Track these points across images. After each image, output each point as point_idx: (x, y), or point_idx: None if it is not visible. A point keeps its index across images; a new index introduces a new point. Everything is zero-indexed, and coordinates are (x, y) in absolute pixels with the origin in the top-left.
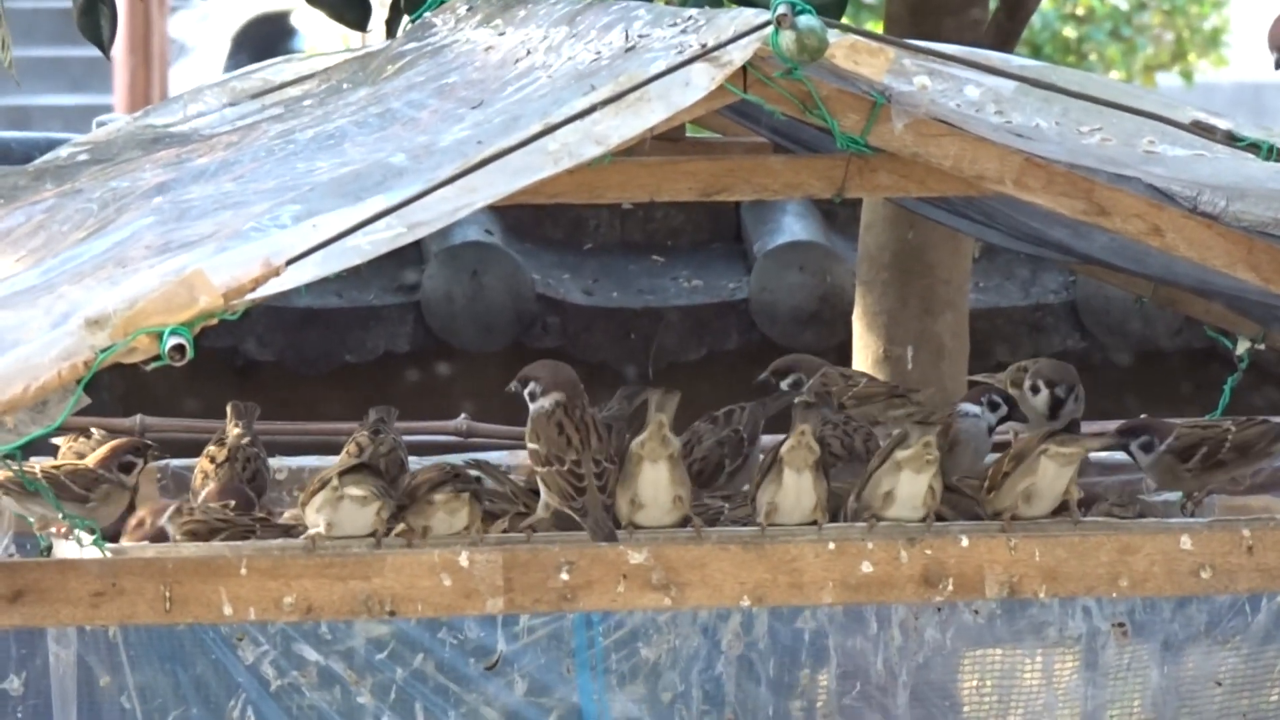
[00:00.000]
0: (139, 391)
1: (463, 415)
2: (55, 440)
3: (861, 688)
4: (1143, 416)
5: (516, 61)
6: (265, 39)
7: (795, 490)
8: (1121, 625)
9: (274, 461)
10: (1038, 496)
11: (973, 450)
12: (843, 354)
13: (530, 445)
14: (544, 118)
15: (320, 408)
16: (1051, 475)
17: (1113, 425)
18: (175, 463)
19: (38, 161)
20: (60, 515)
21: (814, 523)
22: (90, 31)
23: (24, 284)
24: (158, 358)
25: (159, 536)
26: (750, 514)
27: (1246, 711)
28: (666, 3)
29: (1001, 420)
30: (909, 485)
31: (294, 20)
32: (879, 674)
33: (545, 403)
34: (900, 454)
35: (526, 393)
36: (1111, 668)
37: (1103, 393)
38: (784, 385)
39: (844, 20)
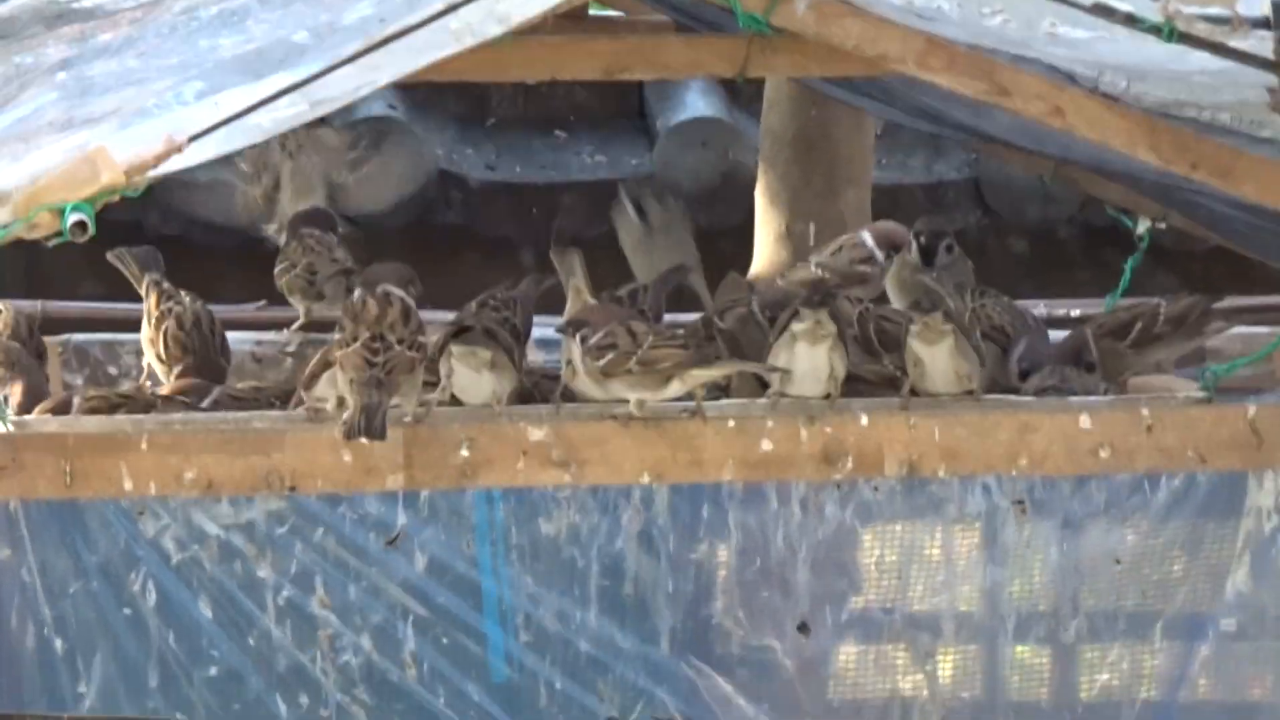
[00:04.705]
0: (40, 267)
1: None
2: None
3: (761, 563)
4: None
5: None
6: None
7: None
8: (1021, 503)
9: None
10: (930, 380)
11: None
12: (745, 231)
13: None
14: None
15: (221, 285)
16: (927, 355)
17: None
18: (77, 338)
19: None
20: None
21: (827, 395)
22: None
23: None
24: (59, 234)
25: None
26: None
27: (1147, 588)
28: None
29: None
30: (807, 359)
31: None
32: (779, 550)
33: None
34: (796, 326)
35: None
36: (1011, 545)
37: (1003, 270)
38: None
39: None
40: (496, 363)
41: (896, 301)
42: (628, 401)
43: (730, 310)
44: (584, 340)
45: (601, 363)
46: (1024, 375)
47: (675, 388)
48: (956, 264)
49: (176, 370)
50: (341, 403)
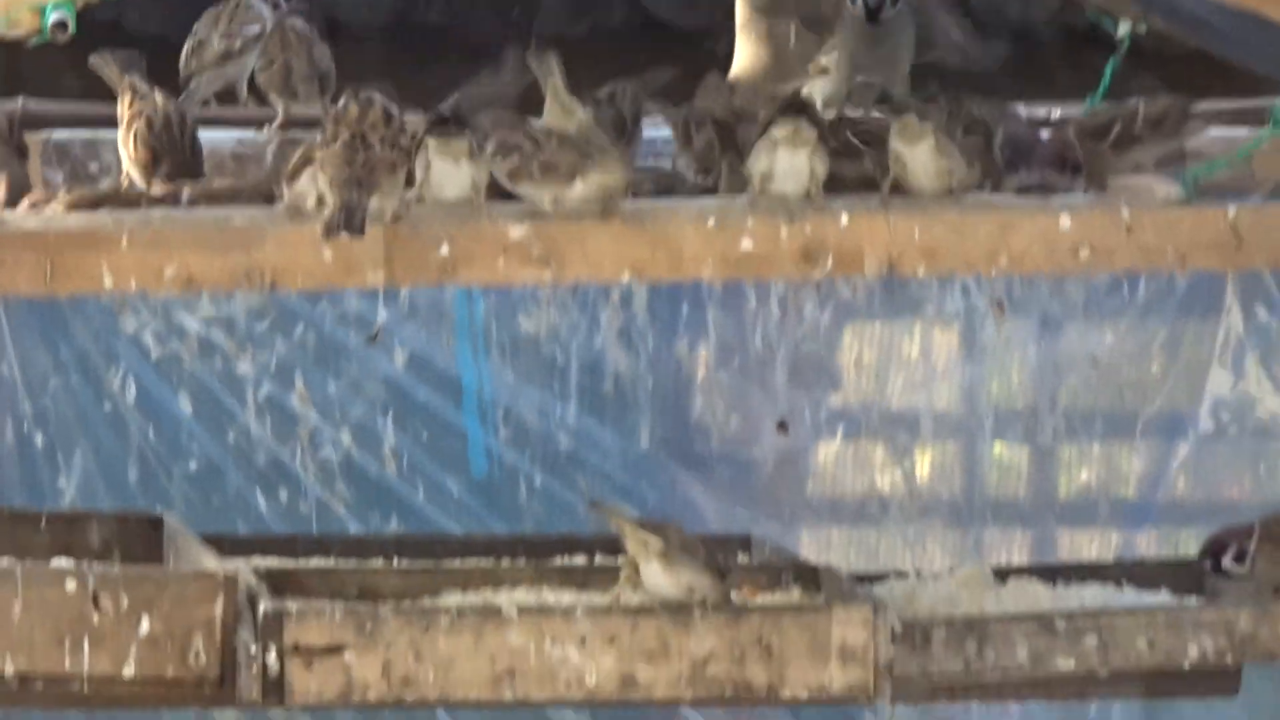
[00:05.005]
0: (22, 68)
1: None
2: None
3: (740, 362)
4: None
5: None
6: None
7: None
8: (1000, 304)
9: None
10: (913, 176)
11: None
12: (727, 31)
13: None
14: None
15: None
16: (909, 155)
17: None
18: (58, 135)
19: None
20: None
21: (808, 194)
22: None
23: None
24: (40, 33)
25: None
26: None
27: (1125, 388)
28: None
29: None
30: (787, 162)
31: None
32: (757, 349)
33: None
34: (776, 132)
35: None
36: (990, 344)
37: (983, 72)
38: None
39: None
40: (474, 152)
41: (845, 67)
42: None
43: (702, 129)
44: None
45: (505, 168)
46: (1009, 163)
47: (580, 189)
48: (901, 19)
49: (159, 175)
50: (321, 201)
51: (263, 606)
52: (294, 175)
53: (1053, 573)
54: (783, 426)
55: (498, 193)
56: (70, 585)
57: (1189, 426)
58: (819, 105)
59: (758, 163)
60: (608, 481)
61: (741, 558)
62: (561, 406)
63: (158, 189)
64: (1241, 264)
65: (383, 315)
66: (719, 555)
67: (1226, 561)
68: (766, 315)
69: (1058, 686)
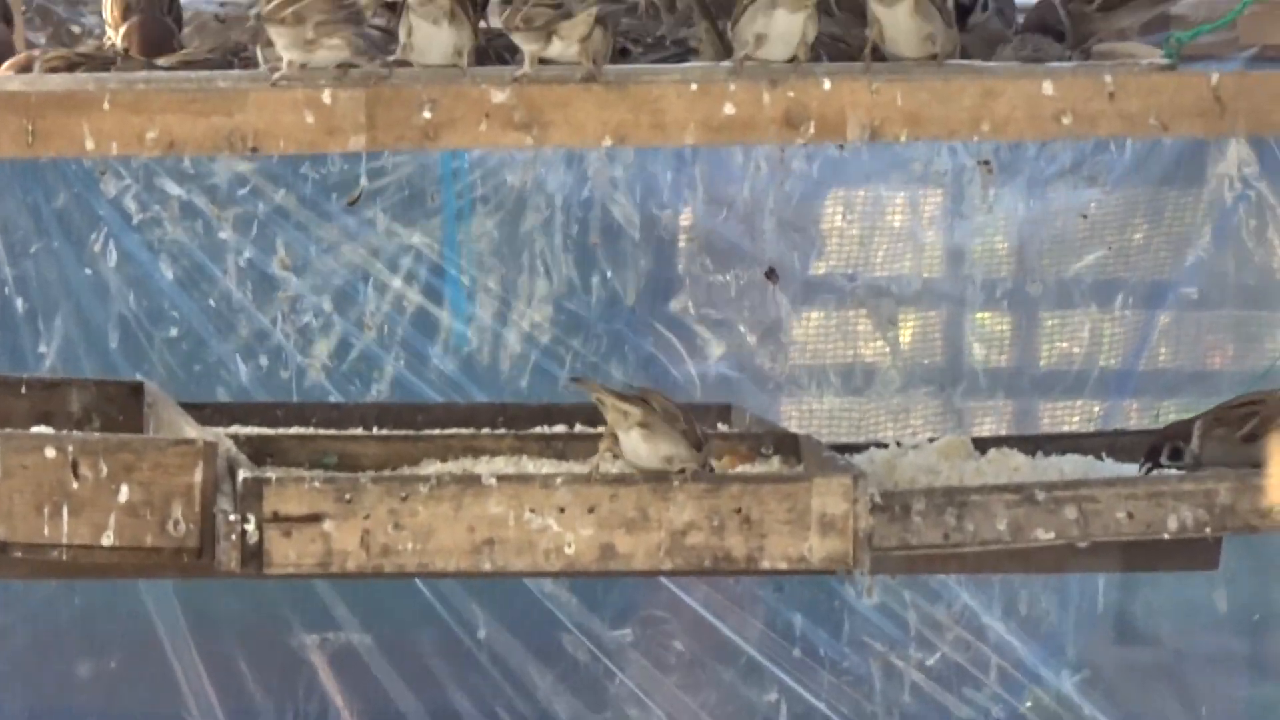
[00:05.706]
0: None
1: None
2: None
3: (727, 215)
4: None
5: None
6: None
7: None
8: (987, 162)
9: None
10: (892, 42)
11: None
12: None
13: None
14: None
15: None
16: (887, 17)
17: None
18: None
19: None
20: None
21: (794, 59)
22: None
23: None
24: None
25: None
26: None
27: (1109, 255)
28: None
29: None
30: (784, 24)
31: None
32: (745, 203)
33: None
34: None
35: None
36: (977, 202)
37: None
38: None
39: None
40: (455, 14)
41: None
42: (581, 64)
43: None
44: None
45: (503, 16)
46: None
47: (558, 46)
48: None
49: (122, 31)
50: (291, 64)
51: (242, 474)
52: (270, 42)
53: (1033, 443)
54: (771, 274)
55: (483, 58)
56: (50, 452)
57: (1171, 294)
58: None
59: (753, 24)
60: (595, 341)
61: (721, 427)
62: (545, 268)
63: (134, 53)
64: (1224, 130)
65: (364, 179)
66: (697, 425)
67: (1164, 460)
68: (754, 171)
69: (1037, 558)
